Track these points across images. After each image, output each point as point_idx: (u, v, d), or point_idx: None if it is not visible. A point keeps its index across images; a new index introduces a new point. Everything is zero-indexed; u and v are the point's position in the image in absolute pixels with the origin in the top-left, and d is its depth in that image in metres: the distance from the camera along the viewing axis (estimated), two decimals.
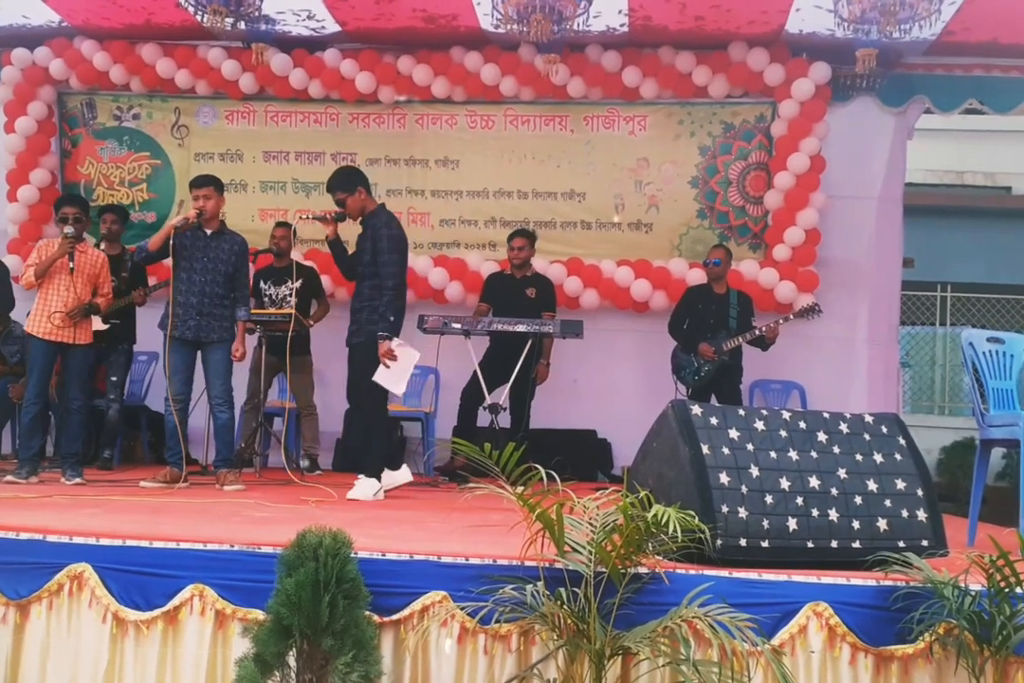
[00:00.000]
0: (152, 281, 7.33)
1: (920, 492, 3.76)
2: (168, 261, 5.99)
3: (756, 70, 7.66)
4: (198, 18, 7.07)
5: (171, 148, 8.44)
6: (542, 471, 3.37)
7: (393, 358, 5.67)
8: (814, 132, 7.63)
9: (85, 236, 6.21)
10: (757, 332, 7.11)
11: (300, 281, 7.40)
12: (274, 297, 7.32)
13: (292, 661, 3.05)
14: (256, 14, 7.07)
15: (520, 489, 3.34)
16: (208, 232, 6.05)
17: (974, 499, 4.79)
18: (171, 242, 5.88)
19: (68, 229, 5.93)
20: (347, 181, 5.93)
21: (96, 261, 6.10)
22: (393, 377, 5.72)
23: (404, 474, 5.85)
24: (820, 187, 7.66)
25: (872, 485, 3.70)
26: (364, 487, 5.63)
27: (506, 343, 6.82)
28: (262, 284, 7.38)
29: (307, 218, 6.23)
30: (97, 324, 6.24)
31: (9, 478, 5.74)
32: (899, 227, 8.09)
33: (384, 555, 3.44)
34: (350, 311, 6.01)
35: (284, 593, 3.01)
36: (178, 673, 3.41)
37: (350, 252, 6.12)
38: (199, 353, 6.08)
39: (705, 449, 3.59)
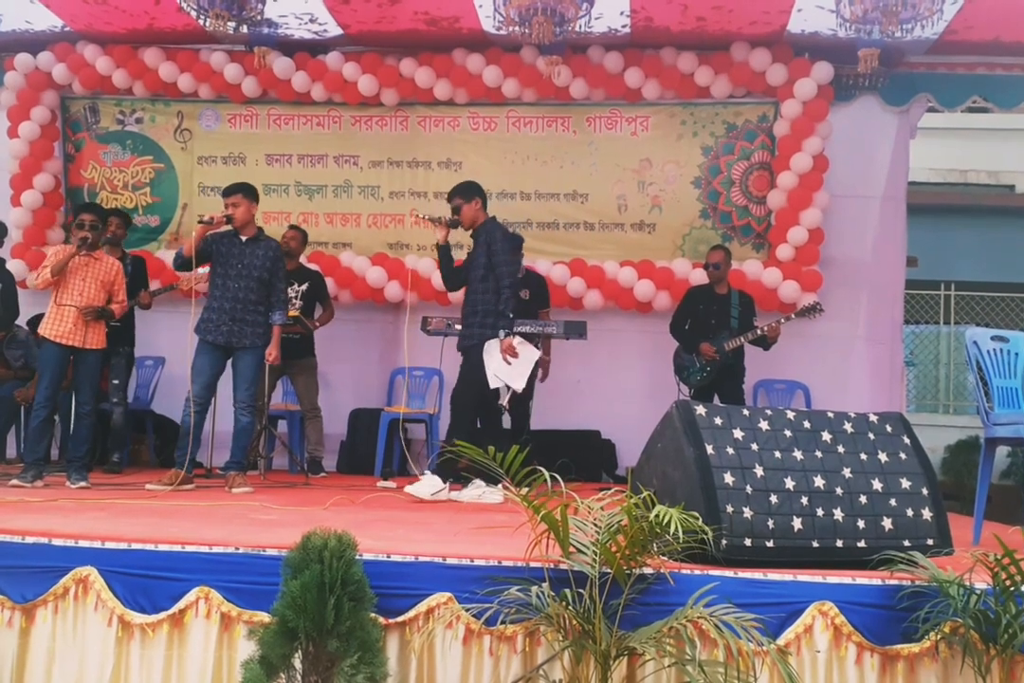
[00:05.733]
0: (155, 285, 7.35)
1: (925, 491, 3.75)
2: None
3: (758, 70, 7.67)
4: (200, 22, 7.07)
5: (174, 152, 8.46)
6: (545, 473, 3.37)
7: (514, 354, 5.80)
8: (817, 132, 7.63)
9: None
10: (759, 332, 7.10)
11: (306, 284, 7.41)
12: None
13: (298, 663, 3.05)
14: (258, 18, 7.08)
15: (524, 490, 3.34)
16: (243, 239, 6.09)
17: (979, 498, 4.78)
18: (207, 246, 5.98)
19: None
20: (467, 191, 6.12)
21: (111, 269, 6.13)
22: (514, 373, 5.86)
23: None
24: (823, 186, 7.67)
25: (877, 484, 3.70)
26: (426, 484, 5.62)
27: None
28: None
29: (423, 217, 6.32)
30: None
31: (15, 482, 5.75)
32: (903, 226, 8.09)
33: (389, 557, 3.44)
34: (462, 316, 6.13)
35: (289, 595, 3.01)
36: (184, 676, 3.41)
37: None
38: (229, 360, 6.11)
39: (709, 449, 3.59)
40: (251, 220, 6.15)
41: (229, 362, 6.15)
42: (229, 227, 6.04)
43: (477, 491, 5.68)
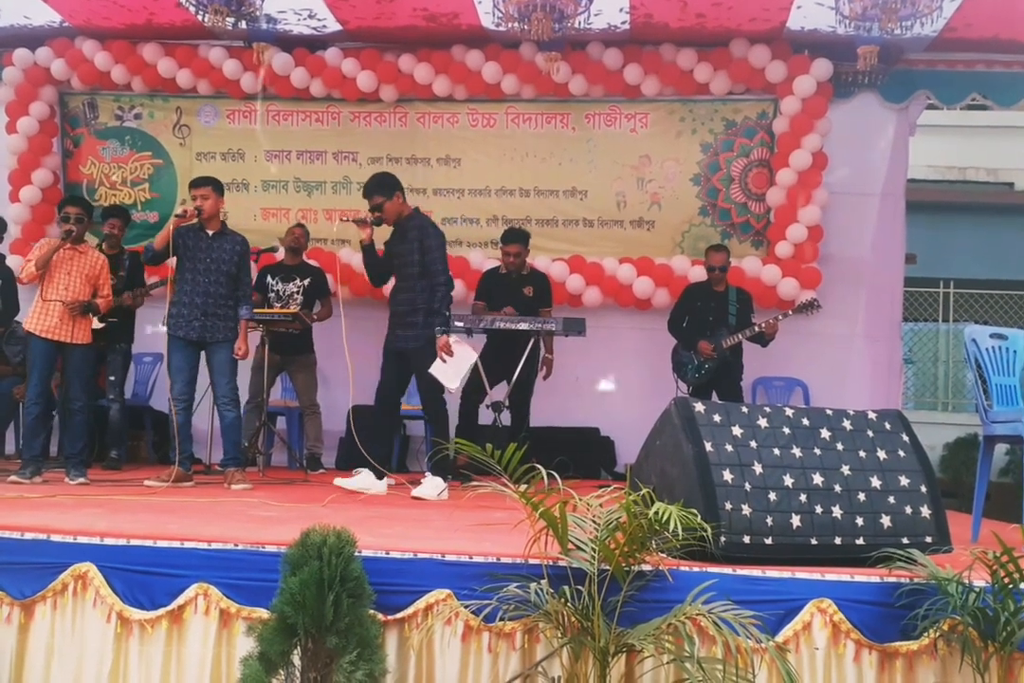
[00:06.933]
0: (152, 281, 7.33)
1: (924, 488, 3.75)
2: (171, 261, 6.05)
3: (758, 67, 7.66)
4: (199, 18, 7.08)
5: (173, 148, 8.45)
6: (543, 471, 3.37)
7: (450, 353, 5.78)
8: (816, 129, 7.62)
9: (88, 237, 6.25)
10: (756, 329, 7.11)
11: (308, 280, 7.42)
12: (281, 294, 7.34)
13: (297, 660, 3.05)
14: (257, 13, 7.07)
15: (523, 487, 3.34)
16: (210, 233, 6.08)
17: (978, 495, 4.78)
18: (172, 240, 5.93)
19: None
20: (386, 186, 6.04)
21: (96, 263, 6.12)
22: (450, 372, 5.84)
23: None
24: (822, 184, 7.66)
25: (876, 482, 3.70)
26: (430, 486, 5.68)
27: (505, 340, 6.82)
28: (269, 279, 7.39)
29: (347, 220, 6.30)
30: (94, 323, 6.24)
31: (13, 478, 5.75)
32: (901, 223, 8.09)
33: (388, 553, 3.44)
34: (395, 313, 6.08)
35: (288, 592, 3.01)
36: (183, 672, 3.41)
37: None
38: (203, 353, 6.10)
39: (708, 446, 3.59)
40: (217, 214, 6.14)
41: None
42: (196, 221, 6.04)
43: (363, 482, 5.74)
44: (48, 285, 5.93)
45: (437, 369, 5.79)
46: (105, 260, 6.24)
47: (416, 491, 5.64)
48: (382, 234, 6.25)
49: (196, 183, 6.16)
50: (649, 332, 7.76)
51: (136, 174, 8.46)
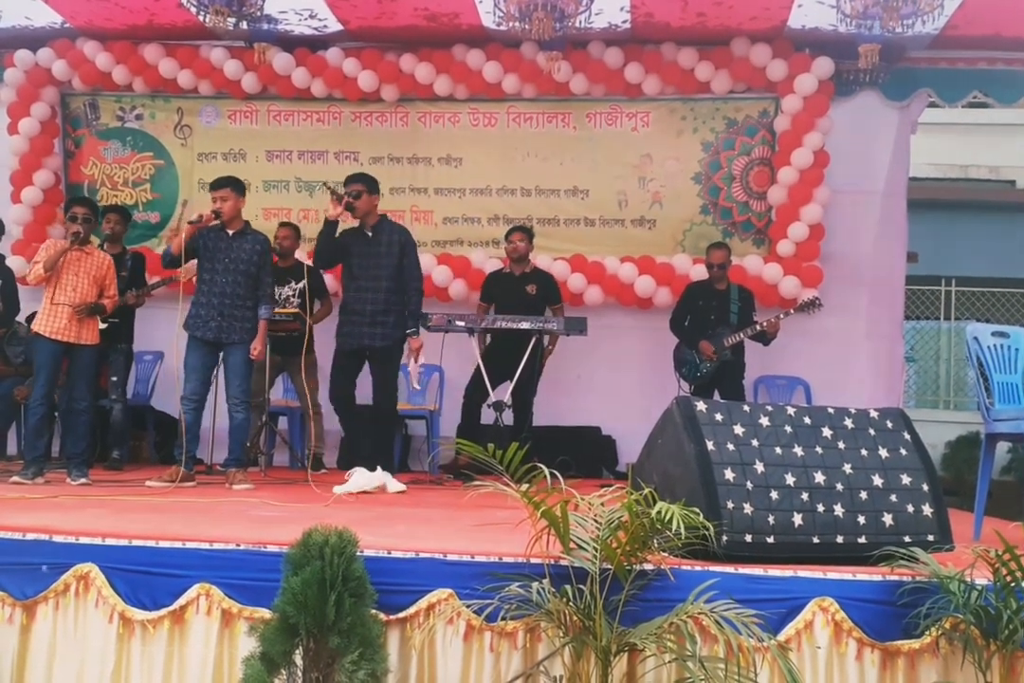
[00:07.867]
0: (154, 280, 7.33)
1: (925, 487, 3.75)
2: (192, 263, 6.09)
3: (759, 66, 7.66)
4: (200, 18, 7.09)
5: (174, 148, 8.45)
6: (545, 470, 3.37)
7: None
8: (817, 127, 7.61)
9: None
10: (758, 327, 7.12)
11: (303, 282, 7.40)
12: (276, 297, 7.31)
13: (299, 660, 3.05)
14: (258, 14, 7.08)
15: (525, 487, 3.34)
16: (230, 233, 6.07)
17: (979, 493, 4.77)
18: (193, 242, 5.97)
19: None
20: (374, 182, 6.36)
21: (102, 263, 6.11)
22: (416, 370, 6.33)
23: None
24: (824, 182, 7.65)
25: (877, 480, 3.70)
26: (354, 481, 5.82)
27: (507, 340, 6.83)
28: None
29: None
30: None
31: (15, 479, 5.75)
32: (903, 221, 8.08)
33: (390, 553, 3.44)
34: (360, 312, 6.25)
35: (290, 592, 3.02)
36: (185, 672, 3.41)
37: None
38: (220, 354, 6.11)
39: (710, 445, 3.59)
40: (238, 214, 6.13)
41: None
42: (217, 222, 6.02)
43: (360, 481, 5.81)
44: (57, 288, 5.91)
45: (414, 367, 6.23)
46: (111, 260, 6.23)
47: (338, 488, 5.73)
48: None
49: (215, 185, 6.14)
50: (651, 331, 7.75)
51: (137, 175, 8.46)
